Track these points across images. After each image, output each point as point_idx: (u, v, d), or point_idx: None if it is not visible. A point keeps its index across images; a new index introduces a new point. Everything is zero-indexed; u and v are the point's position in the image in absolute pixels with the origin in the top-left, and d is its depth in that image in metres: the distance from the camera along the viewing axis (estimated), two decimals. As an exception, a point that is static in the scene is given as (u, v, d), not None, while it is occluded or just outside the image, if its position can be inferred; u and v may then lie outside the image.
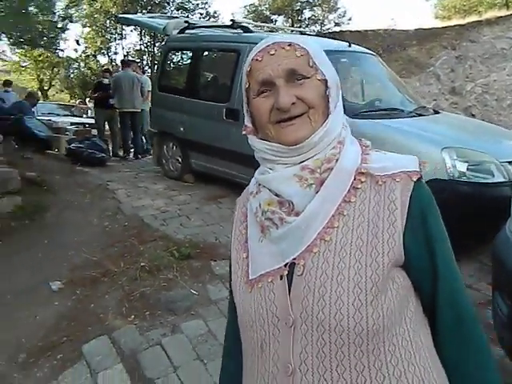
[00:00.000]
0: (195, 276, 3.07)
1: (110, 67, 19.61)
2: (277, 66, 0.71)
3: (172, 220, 4.19)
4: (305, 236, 0.70)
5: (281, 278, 0.71)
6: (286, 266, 0.72)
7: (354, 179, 0.72)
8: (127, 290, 2.92)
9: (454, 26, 12.73)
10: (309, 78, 0.72)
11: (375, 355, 0.67)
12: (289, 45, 0.72)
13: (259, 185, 0.77)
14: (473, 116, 10.46)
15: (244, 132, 0.79)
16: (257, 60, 0.73)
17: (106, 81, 7.63)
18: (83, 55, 20.16)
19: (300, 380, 0.68)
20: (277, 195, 0.73)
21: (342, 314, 0.66)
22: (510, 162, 3.16)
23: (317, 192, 0.71)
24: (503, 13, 13.29)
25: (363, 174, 0.72)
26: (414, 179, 0.70)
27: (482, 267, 3.10)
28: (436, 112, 4.46)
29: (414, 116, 3.95)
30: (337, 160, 0.72)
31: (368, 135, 3.75)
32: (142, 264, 3.16)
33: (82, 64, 21.28)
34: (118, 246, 3.60)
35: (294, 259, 0.71)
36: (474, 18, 13.54)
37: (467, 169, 3.11)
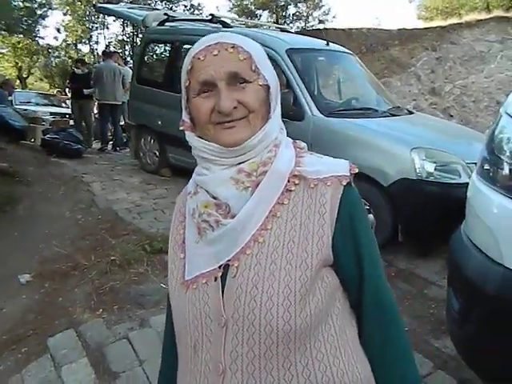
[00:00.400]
0: (166, 270, 3.05)
1: (92, 57, 19.28)
2: (219, 68, 0.71)
3: (146, 214, 4.17)
4: (239, 238, 0.72)
5: (215, 280, 0.73)
6: (220, 267, 0.73)
7: (288, 182, 0.73)
8: (97, 284, 2.91)
9: (436, 27, 12.93)
10: (250, 82, 0.72)
11: (301, 352, 0.70)
12: (232, 47, 0.72)
13: (197, 185, 0.77)
14: (451, 117, 10.68)
15: (181, 127, 0.79)
16: (199, 59, 0.72)
17: (78, 71, 7.50)
18: (64, 44, 19.73)
19: (230, 379, 0.70)
20: (214, 197, 0.73)
21: (272, 314, 0.68)
22: (476, 164, 3.25)
23: (252, 195, 0.72)
24: (483, 16, 13.55)
25: (296, 177, 0.74)
26: (344, 183, 0.73)
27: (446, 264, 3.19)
28: (410, 112, 4.55)
29: (388, 116, 4.02)
30: (272, 163, 0.73)
31: (341, 134, 3.80)
32: (112, 258, 3.15)
33: (63, 52, 20.82)
34: (89, 240, 3.58)
35: (229, 261, 0.72)
36: (455, 20, 13.79)
37: (435, 169, 3.19)
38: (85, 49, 20.72)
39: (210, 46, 0.72)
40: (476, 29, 12.42)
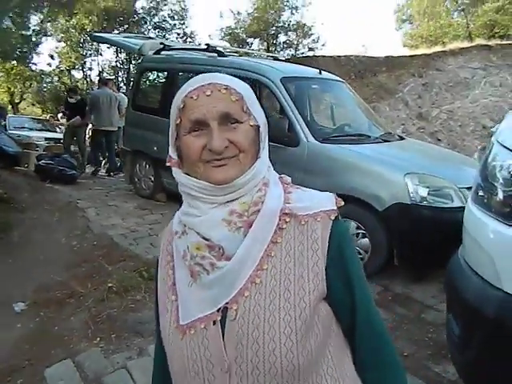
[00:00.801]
0: (164, 297, 3.06)
1: (85, 83, 19.47)
2: (212, 108, 0.72)
3: (142, 240, 4.16)
4: (236, 280, 0.71)
5: (214, 324, 0.72)
6: (218, 311, 0.72)
7: (279, 220, 0.74)
8: (93, 312, 2.88)
9: (421, 55, 13.35)
10: (242, 122, 0.74)
11: None
12: (225, 88, 0.73)
13: (184, 226, 0.76)
14: (439, 141, 10.92)
15: (168, 164, 0.79)
16: (191, 98, 0.73)
17: (71, 100, 7.64)
18: (57, 70, 19.93)
19: None
20: (205, 238, 0.73)
21: (276, 355, 0.68)
22: (468, 188, 3.33)
23: (245, 235, 0.72)
24: (466, 44, 14.06)
25: (287, 215, 0.74)
26: (332, 218, 0.75)
27: (443, 289, 3.22)
28: (401, 138, 4.67)
29: (380, 142, 4.12)
30: (262, 202, 0.74)
31: (337, 160, 3.88)
32: (109, 285, 3.12)
33: (56, 78, 21.01)
34: (85, 266, 3.55)
35: (227, 303, 0.71)
36: (439, 48, 14.26)
37: (428, 194, 3.26)
38: (78, 75, 20.95)
39: (203, 85, 0.73)
40: (460, 56, 12.86)
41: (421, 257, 3.33)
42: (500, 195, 1.59)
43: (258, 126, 0.77)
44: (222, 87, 0.73)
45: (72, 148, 7.70)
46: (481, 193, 1.73)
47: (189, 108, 0.73)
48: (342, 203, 0.77)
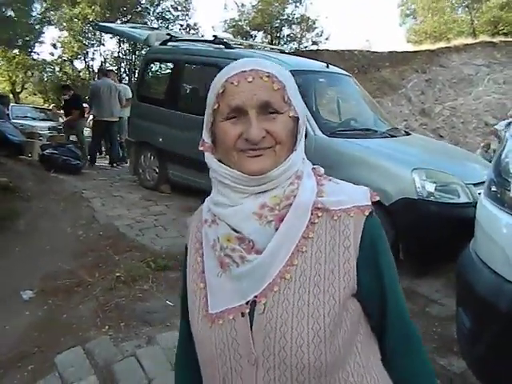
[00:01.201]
0: (171, 287, 3.08)
1: (87, 73, 19.39)
2: (252, 96, 0.70)
3: (148, 230, 4.18)
4: (266, 274, 0.71)
5: (242, 316, 0.72)
6: (247, 303, 0.72)
7: (311, 214, 0.73)
8: (102, 301, 2.90)
9: (425, 50, 13.29)
10: (281, 113, 0.72)
11: None
12: (267, 75, 0.71)
13: (214, 215, 0.75)
14: (441, 137, 10.92)
15: (201, 148, 0.77)
16: (232, 83, 0.71)
17: (65, 97, 7.69)
18: (59, 59, 19.81)
19: None
20: (235, 231, 0.72)
21: (303, 351, 0.68)
22: (474, 184, 3.35)
23: (276, 229, 0.71)
24: (470, 41, 14.01)
25: (319, 209, 0.73)
26: (366, 213, 0.73)
27: (448, 283, 3.24)
28: (407, 133, 4.68)
29: (387, 137, 4.13)
30: (295, 196, 0.72)
31: (344, 154, 3.89)
32: (117, 274, 3.14)
33: (58, 68, 20.89)
34: (92, 256, 3.57)
35: (255, 297, 0.71)
36: (443, 44, 14.20)
37: (435, 189, 3.28)
38: (80, 65, 20.84)
39: (245, 71, 0.71)
40: (464, 53, 12.82)
41: (426, 252, 3.35)
42: (513, 190, 1.60)
43: (298, 118, 0.75)
44: (265, 74, 0.71)
45: (71, 139, 7.75)
46: (494, 188, 1.74)
47: (228, 94, 0.71)
48: (377, 198, 0.75)
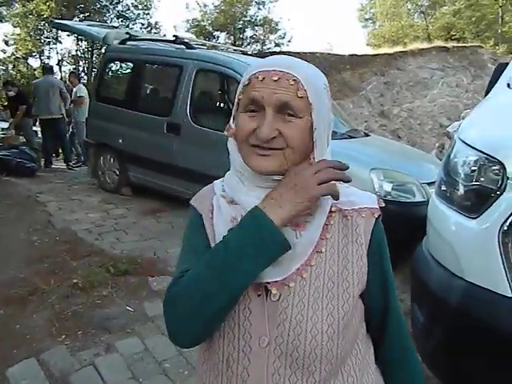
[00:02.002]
0: (132, 292, 3.01)
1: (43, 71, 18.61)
2: (272, 93, 0.70)
3: (108, 234, 4.06)
4: (283, 266, 0.71)
5: (258, 296, 0.72)
6: (261, 285, 0.72)
7: (327, 217, 0.75)
8: (58, 309, 2.79)
9: (384, 54, 13.71)
10: (299, 117, 0.71)
11: (334, 376, 0.73)
12: (294, 80, 0.70)
13: (232, 198, 0.76)
14: (399, 138, 11.31)
15: (226, 132, 0.78)
16: (257, 78, 0.71)
17: (11, 93, 7.38)
18: (12, 57, 18.88)
19: None
20: None
21: (317, 341, 0.70)
22: (428, 184, 3.49)
23: (297, 225, 0.72)
24: (425, 45, 14.60)
25: (333, 212, 0.76)
26: (376, 216, 0.77)
27: (405, 279, 3.35)
28: (366, 134, 4.81)
29: (347, 138, 4.23)
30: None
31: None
32: (74, 281, 3.03)
33: (11, 66, 19.91)
34: (47, 262, 3.42)
35: (268, 283, 0.71)
36: (400, 48, 14.71)
37: (392, 189, 3.39)
38: (35, 63, 19.95)
39: (274, 70, 0.71)
40: (419, 57, 13.33)
41: (385, 249, 3.45)
42: (461, 189, 1.68)
43: (315, 127, 0.73)
44: (291, 79, 0.70)
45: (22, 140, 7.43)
46: (444, 187, 1.81)
47: (252, 86, 0.72)
48: (383, 204, 0.79)
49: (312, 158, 0.73)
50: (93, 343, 2.49)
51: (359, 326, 0.77)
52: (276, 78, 0.70)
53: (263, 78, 0.71)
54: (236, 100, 0.77)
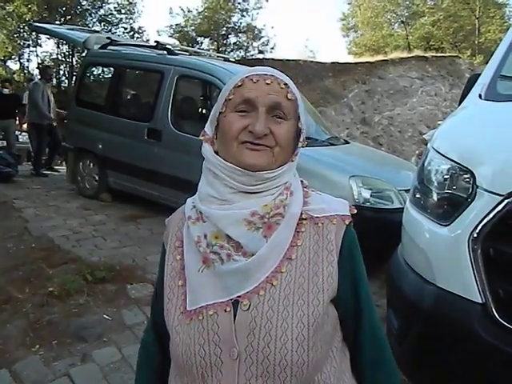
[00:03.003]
0: (109, 300, 2.96)
1: (22, 74, 18.27)
2: (266, 94, 0.74)
3: (86, 241, 3.99)
4: (252, 278, 0.73)
5: (225, 311, 0.73)
6: (230, 300, 0.73)
7: (297, 224, 0.77)
8: (32, 318, 2.72)
9: (365, 62, 13.95)
10: (287, 120, 0.76)
11: None
12: (285, 84, 0.76)
13: (200, 212, 0.77)
14: (380, 145, 11.50)
15: (201, 137, 0.80)
16: (251, 80, 0.75)
17: (6, 91, 7.22)
18: (-10, 60, 18.54)
19: None
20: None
21: (287, 348, 0.70)
22: (406, 190, 3.56)
23: (265, 236, 0.74)
24: (405, 55, 14.92)
25: (304, 219, 0.77)
26: (347, 222, 0.78)
27: (383, 285, 3.40)
28: (346, 142, 4.88)
29: (327, 145, 4.28)
30: (284, 206, 0.75)
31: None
32: (50, 289, 2.96)
33: (-12, 69, 19.48)
34: (22, 270, 3.34)
35: (239, 297, 0.73)
36: (381, 57, 15.00)
37: (371, 195, 3.45)
38: (15, 66, 19.58)
39: (266, 74, 0.76)
40: (399, 66, 13.61)
41: (363, 255, 3.50)
42: (434, 197, 1.72)
43: (301, 131, 0.79)
44: (282, 83, 0.76)
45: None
46: (418, 195, 1.85)
47: (245, 87, 0.75)
48: (355, 211, 0.80)
49: (294, 156, 0.79)
50: (68, 353, 2.44)
51: (333, 333, 0.77)
52: (269, 82, 0.75)
53: (257, 81, 0.75)
54: (220, 103, 0.78)
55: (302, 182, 0.83)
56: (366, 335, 0.80)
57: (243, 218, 0.73)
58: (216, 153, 0.78)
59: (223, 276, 0.74)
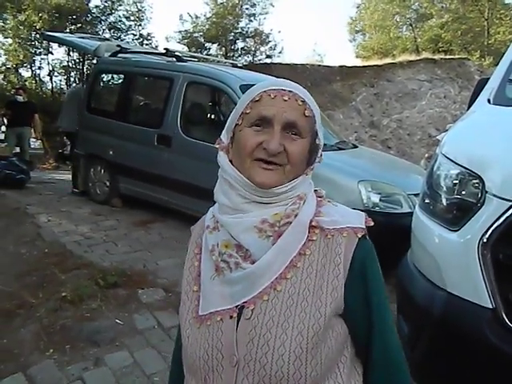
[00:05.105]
0: (121, 305, 3.00)
1: (34, 82, 18.56)
2: (282, 112, 0.74)
3: (97, 246, 4.05)
4: (258, 283, 0.74)
5: (230, 318, 0.74)
6: (236, 307, 0.75)
7: (309, 232, 0.76)
8: (46, 323, 2.77)
9: (373, 66, 13.91)
10: (303, 138, 0.76)
11: None
12: (302, 101, 0.76)
13: (217, 221, 0.79)
14: (389, 148, 11.45)
15: (217, 145, 0.82)
16: (269, 95, 0.75)
17: (20, 98, 7.37)
18: (3, 68, 18.82)
19: None
20: (234, 239, 0.76)
21: (284, 360, 0.70)
22: (415, 195, 3.55)
23: (273, 244, 0.74)
24: (414, 57, 14.85)
25: (315, 227, 0.77)
26: (359, 235, 0.76)
27: (393, 290, 3.39)
28: (354, 146, 4.88)
29: (335, 150, 4.28)
30: (295, 215, 0.76)
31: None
32: (63, 294, 3.01)
33: (1, 76, 19.82)
34: (36, 275, 3.40)
35: (245, 303, 0.74)
36: (389, 60, 14.94)
37: (380, 200, 3.45)
38: (26, 73, 19.88)
39: (284, 90, 0.76)
40: (408, 69, 13.55)
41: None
42: (444, 202, 1.73)
43: (319, 146, 0.80)
44: (300, 99, 0.76)
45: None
46: (427, 200, 1.86)
47: (263, 102, 0.76)
48: (372, 223, 0.78)
49: (309, 170, 0.80)
50: (81, 357, 2.48)
51: (340, 349, 0.76)
52: (286, 98, 0.75)
53: (275, 96, 0.75)
54: (237, 114, 0.79)
55: (316, 191, 0.83)
56: (377, 354, 0.77)
57: (253, 225, 0.74)
58: (230, 161, 0.79)
59: (231, 283, 0.75)
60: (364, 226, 0.77)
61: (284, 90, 0.76)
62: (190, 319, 0.80)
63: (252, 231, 0.74)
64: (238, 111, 0.79)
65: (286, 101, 0.75)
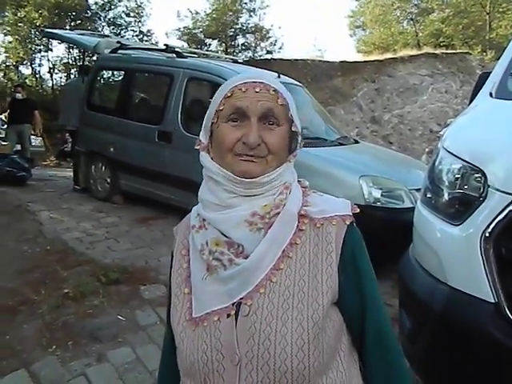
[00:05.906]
0: (123, 301, 3.00)
1: (34, 79, 18.54)
2: (256, 102, 0.74)
3: (99, 243, 4.05)
4: (253, 277, 0.73)
5: (228, 317, 0.73)
6: (233, 305, 0.74)
7: (298, 221, 0.76)
8: (48, 319, 2.78)
9: (374, 61, 13.85)
10: (280, 126, 0.76)
11: None
12: (274, 90, 0.76)
13: (203, 220, 0.78)
14: (390, 143, 11.41)
15: (197, 147, 0.82)
16: (240, 89, 0.75)
17: (19, 96, 7.34)
18: (3, 65, 18.80)
19: None
20: (224, 235, 0.74)
21: (286, 353, 0.69)
22: (416, 190, 3.54)
23: (265, 236, 0.74)
24: (415, 52, 14.78)
25: (304, 217, 0.77)
26: (347, 222, 0.77)
27: (395, 285, 3.39)
28: (356, 141, 4.87)
29: (337, 145, 4.28)
30: (284, 205, 0.76)
31: (296, 162, 4.03)
32: (65, 291, 3.02)
33: (1, 74, 19.80)
34: (38, 272, 3.41)
35: (241, 299, 0.73)
36: (390, 54, 14.86)
37: (381, 195, 3.44)
38: (26, 71, 19.86)
39: (254, 82, 0.76)
40: (409, 63, 13.49)
41: (375, 255, 3.48)
42: (446, 197, 1.72)
43: (297, 133, 0.80)
44: (271, 89, 0.76)
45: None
46: (429, 194, 1.85)
47: (235, 96, 0.76)
48: (358, 210, 0.79)
49: (292, 157, 0.80)
50: (84, 353, 2.49)
51: (338, 337, 0.76)
52: (258, 90, 0.75)
53: (246, 89, 0.75)
54: (212, 112, 0.79)
55: (300, 181, 0.83)
56: (370, 339, 0.78)
57: (244, 219, 0.74)
58: (212, 159, 0.79)
59: (226, 281, 0.74)
60: (351, 214, 0.78)
61: (255, 82, 0.76)
62: (184, 322, 0.78)
63: (243, 225, 0.74)
64: (212, 109, 0.79)
65: (257, 92, 0.75)
